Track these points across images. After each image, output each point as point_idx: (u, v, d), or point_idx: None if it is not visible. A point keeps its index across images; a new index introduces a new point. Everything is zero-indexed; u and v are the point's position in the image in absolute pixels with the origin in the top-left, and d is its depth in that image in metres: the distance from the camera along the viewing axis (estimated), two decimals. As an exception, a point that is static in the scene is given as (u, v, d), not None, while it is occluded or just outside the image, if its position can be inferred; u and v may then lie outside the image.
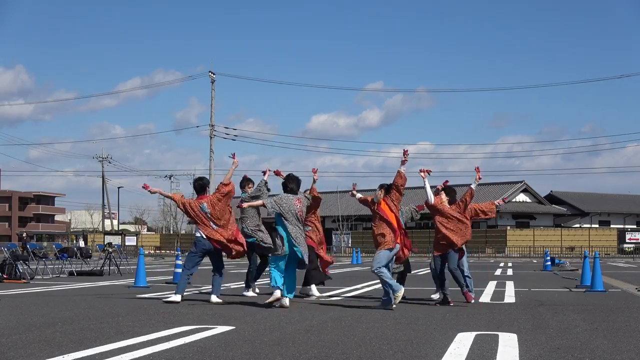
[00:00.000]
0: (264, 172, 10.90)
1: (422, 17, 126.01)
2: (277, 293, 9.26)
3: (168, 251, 54.73)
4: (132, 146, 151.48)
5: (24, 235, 23.51)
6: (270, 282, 9.39)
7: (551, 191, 66.56)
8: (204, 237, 9.98)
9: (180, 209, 10.30)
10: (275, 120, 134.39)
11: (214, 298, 10.08)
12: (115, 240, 40.81)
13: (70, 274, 18.24)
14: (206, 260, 10.44)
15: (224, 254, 10.22)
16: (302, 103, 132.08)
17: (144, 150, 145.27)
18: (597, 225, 62.52)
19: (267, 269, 9.94)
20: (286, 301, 9.24)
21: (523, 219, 59.63)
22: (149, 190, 10.29)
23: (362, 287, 13.38)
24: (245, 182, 11.27)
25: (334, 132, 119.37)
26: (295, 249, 9.24)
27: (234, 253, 10.07)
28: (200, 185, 10.28)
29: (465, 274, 10.02)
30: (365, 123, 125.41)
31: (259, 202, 9.87)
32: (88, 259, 22.32)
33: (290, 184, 9.58)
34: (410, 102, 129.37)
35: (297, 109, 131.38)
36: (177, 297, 10.01)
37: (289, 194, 9.48)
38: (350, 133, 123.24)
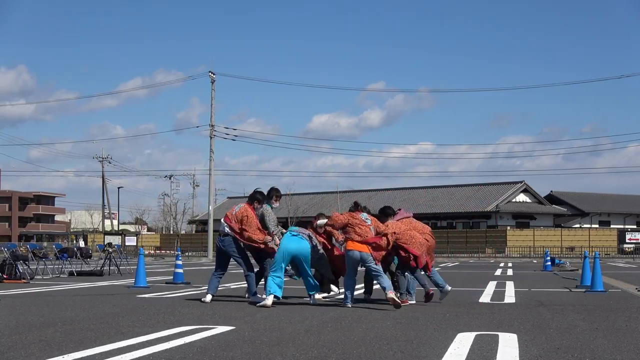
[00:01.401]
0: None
1: (422, 17, 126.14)
2: (269, 300, 9.45)
3: (168, 251, 54.69)
4: (133, 146, 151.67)
5: None
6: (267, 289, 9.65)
7: (551, 191, 66.59)
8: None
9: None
10: (276, 121, 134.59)
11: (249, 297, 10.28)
12: (115, 240, 40.79)
13: (70, 274, 18.24)
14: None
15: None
16: (303, 103, 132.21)
17: (145, 150, 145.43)
18: (597, 226, 62.54)
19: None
20: (313, 298, 9.92)
21: (523, 219, 59.63)
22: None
23: (362, 288, 13.35)
24: (273, 192, 10.78)
25: (335, 132, 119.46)
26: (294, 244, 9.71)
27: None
28: (253, 197, 10.49)
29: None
30: (367, 123, 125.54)
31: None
32: (88, 259, 22.34)
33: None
34: (411, 102, 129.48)
35: (299, 109, 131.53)
36: (210, 296, 10.26)
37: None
38: (352, 133, 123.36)
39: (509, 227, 55.49)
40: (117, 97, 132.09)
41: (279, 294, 9.60)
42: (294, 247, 9.68)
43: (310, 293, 9.96)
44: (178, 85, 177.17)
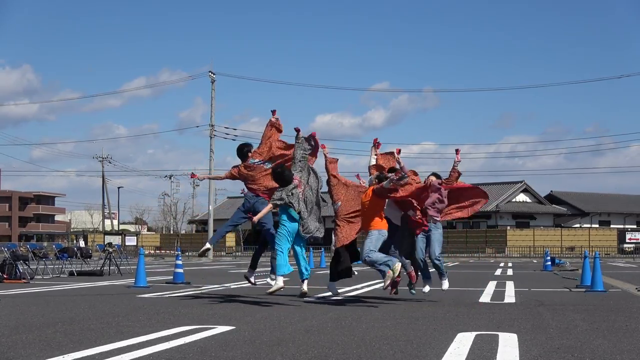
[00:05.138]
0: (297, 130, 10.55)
1: (422, 18, 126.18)
2: (280, 282, 9.30)
3: (168, 251, 54.67)
4: (136, 146, 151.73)
5: None
6: (278, 270, 9.36)
7: (551, 191, 66.57)
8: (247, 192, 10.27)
9: (236, 178, 10.42)
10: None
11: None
12: (116, 240, 40.81)
13: (71, 274, 18.23)
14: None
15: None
16: (306, 103, 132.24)
17: (147, 150, 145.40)
18: (597, 225, 62.51)
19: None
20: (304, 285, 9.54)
21: (523, 219, 59.61)
22: (198, 178, 10.73)
23: (362, 287, 13.37)
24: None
25: (338, 132, 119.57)
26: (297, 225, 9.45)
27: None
28: (241, 151, 10.36)
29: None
30: (370, 123, 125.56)
31: (268, 207, 9.63)
32: (88, 259, 22.30)
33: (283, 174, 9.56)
34: (414, 103, 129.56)
35: (302, 109, 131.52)
36: (208, 244, 10.32)
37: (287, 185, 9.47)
38: (355, 133, 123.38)
39: (509, 227, 55.47)
40: (120, 97, 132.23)
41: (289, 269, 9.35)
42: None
43: (302, 279, 9.60)
44: (181, 85, 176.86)
